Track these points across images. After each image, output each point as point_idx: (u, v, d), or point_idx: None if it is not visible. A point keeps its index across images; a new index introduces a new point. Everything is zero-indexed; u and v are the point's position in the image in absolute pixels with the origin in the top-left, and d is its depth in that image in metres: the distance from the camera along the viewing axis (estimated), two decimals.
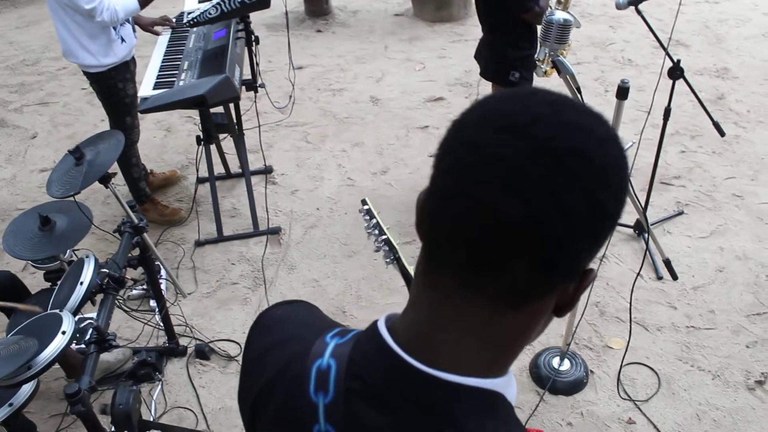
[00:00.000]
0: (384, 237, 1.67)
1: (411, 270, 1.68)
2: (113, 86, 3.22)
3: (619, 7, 2.73)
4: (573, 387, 2.73)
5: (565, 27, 1.77)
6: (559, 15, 1.76)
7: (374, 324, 0.70)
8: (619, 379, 2.74)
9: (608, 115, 2.13)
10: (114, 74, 3.19)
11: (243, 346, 0.88)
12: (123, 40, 3.18)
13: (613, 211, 0.61)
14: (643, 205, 3.30)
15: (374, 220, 1.69)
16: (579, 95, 1.93)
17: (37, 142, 4.70)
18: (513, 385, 0.70)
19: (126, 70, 3.25)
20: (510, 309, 0.63)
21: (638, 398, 2.69)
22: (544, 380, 2.74)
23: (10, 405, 2.02)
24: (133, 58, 3.35)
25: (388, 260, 1.68)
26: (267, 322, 0.86)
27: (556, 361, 2.78)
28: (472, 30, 5.87)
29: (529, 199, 0.56)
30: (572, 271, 0.63)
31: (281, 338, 0.81)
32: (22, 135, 4.83)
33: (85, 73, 3.24)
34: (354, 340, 0.71)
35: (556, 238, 0.57)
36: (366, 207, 1.72)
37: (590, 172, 0.58)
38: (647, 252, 3.18)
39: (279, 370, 0.77)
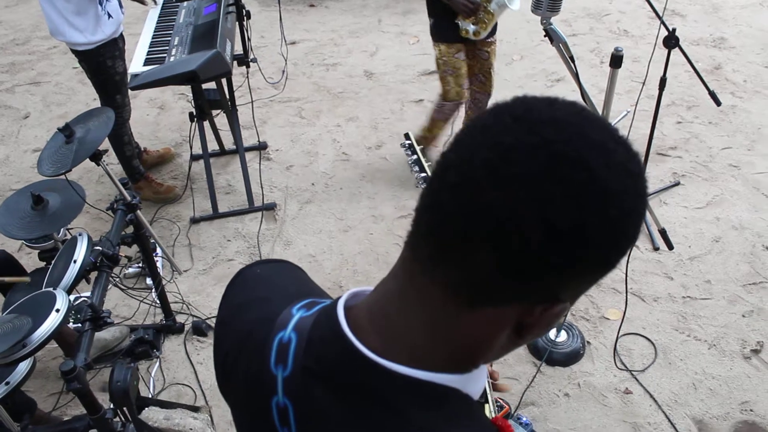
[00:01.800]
0: (423, 175, 1.64)
1: None
2: (102, 64, 3.18)
3: None
4: (570, 358, 2.74)
5: None
6: None
7: (334, 303, 0.69)
8: (615, 349, 2.75)
9: (602, 84, 2.10)
10: (103, 51, 3.15)
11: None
12: (110, 15, 3.13)
13: (600, 243, 0.55)
14: None
15: (415, 156, 1.66)
16: (572, 64, 1.90)
17: (30, 122, 4.66)
18: (477, 380, 0.67)
19: (115, 47, 3.20)
20: (466, 306, 0.60)
21: (635, 368, 2.70)
22: (541, 351, 2.74)
23: (7, 383, 2.02)
24: (121, 35, 3.30)
25: None
26: (242, 280, 0.86)
27: (552, 333, 2.78)
28: None
29: (507, 187, 0.53)
30: (537, 287, 0.57)
31: (252, 299, 0.81)
32: (14, 115, 4.78)
33: (74, 51, 3.19)
34: (315, 317, 0.70)
35: (524, 240, 0.54)
36: (408, 142, 1.70)
37: (586, 188, 0.53)
38: (644, 223, 3.17)
39: (244, 335, 0.77)
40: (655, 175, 3.64)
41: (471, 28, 3.18)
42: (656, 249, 3.20)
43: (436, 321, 0.62)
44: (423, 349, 0.63)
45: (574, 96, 2.05)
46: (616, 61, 1.94)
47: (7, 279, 2.47)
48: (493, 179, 0.54)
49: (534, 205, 0.53)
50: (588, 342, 2.81)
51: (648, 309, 2.93)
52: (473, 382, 0.66)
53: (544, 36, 1.88)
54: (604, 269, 0.59)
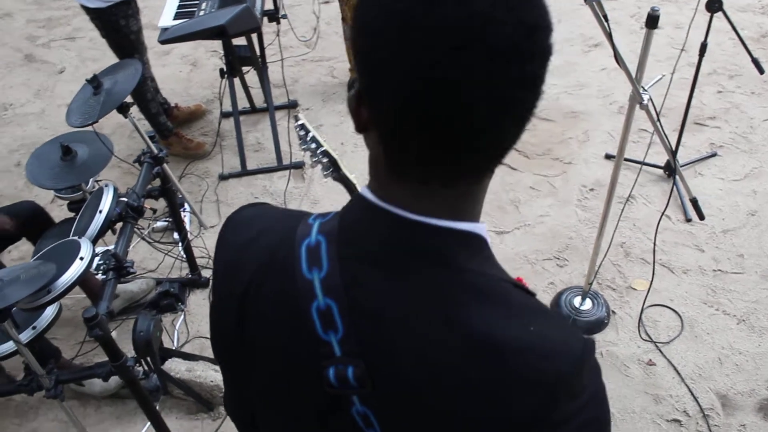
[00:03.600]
0: (322, 149, 1.64)
1: (353, 178, 1.68)
2: (115, 23, 3.15)
3: None
4: (594, 327, 2.70)
5: None
6: None
7: (359, 193, 0.70)
8: (640, 319, 2.71)
9: (638, 47, 2.00)
10: (115, 11, 3.11)
11: (214, 253, 0.85)
12: None
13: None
14: (673, 145, 3.20)
15: (311, 134, 1.68)
16: (606, 23, 1.83)
17: (65, 76, 4.71)
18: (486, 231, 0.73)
19: (127, 6, 3.16)
20: (476, 183, 0.68)
21: (659, 340, 2.65)
22: (564, 319, 2.71)
23: (34, 328, 2.07)
24: None
25: (326, 172, 1.66)
26: (234, 224, 0.83)
27: (577, 301, 2.75)
28: None
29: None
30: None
31: (255, 234, 0.79)
32: (50, 70, 4.84)
33: (85, 9, 3.14)
34: (339, 214, 0.71)
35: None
36: (300, 122, 1.70)
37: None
38: (673, 192, 3.10)
39: (265, 259, 0.75)
40: (691, 145, 3.54)
41: None
42: (688, 220, 3.12)
43: (456, 199, 0.67)
44: (453, 206, 0.67)
45: (611, 61, 1.99)
46: (652, 21, 1.87)
47: None
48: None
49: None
50: (613, 312, 2.77)
51: (677, 281, 2.87)
52: (486, 234, 0.72)
53: None
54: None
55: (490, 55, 0.56)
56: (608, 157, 3.50)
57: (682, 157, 3.40)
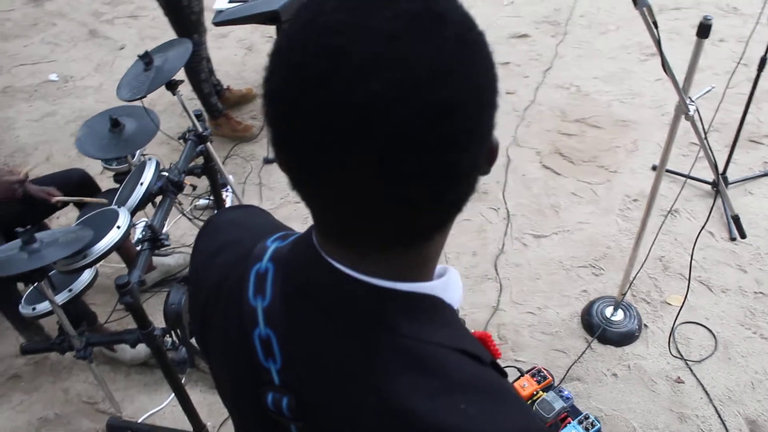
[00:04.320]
0: None
1: None
2: (178, 3, 3.23)
3: None
4: (624, 338, 2.66)
5: None
6: None
7: (309, 231, 0.68)
8: (672, 335, 2.65)
9: (699, 63, 1.92)
10: None
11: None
12: None
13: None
14: (720, 160, 3.13)
15: None
16: (656, 30, 1.79)
17: (125, 53, 4.84)
18: (454, 288, 0.67)
19: None
20: (422, 241, 0.63)
21: (691, 358, 2.59)
22: (595, 328, 2.67)
23: (70, 290, 2.14)
24: None
25: None
26: (212, 227, 0.85)
27: (609, 311, 2.70)
28: None
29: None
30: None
31: (225, 242, 0.79)
32: (111, 46, 4.98)
33: None
34: (291, 245, 0.69)
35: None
36: None
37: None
38: (717, 208, 3.01)
39: (222, 275, 0.75)
40: (744, 163, 3.43)
41: None
42: (732, 239, 3.03)
43: (393, 262, 0.63)
44: (392, 268, 0.63)
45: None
46: (704, 30, 1.82)
47: (85, 199, 2.60)
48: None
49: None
50: (645, 325, 2.71)
51: (714, 299, 2.80)
52: (451, 291, 0.66)
53: None
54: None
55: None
56: (655, 168, 3.42)
57: (733, 173, 3.30)
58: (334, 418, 0.63)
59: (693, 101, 2.01)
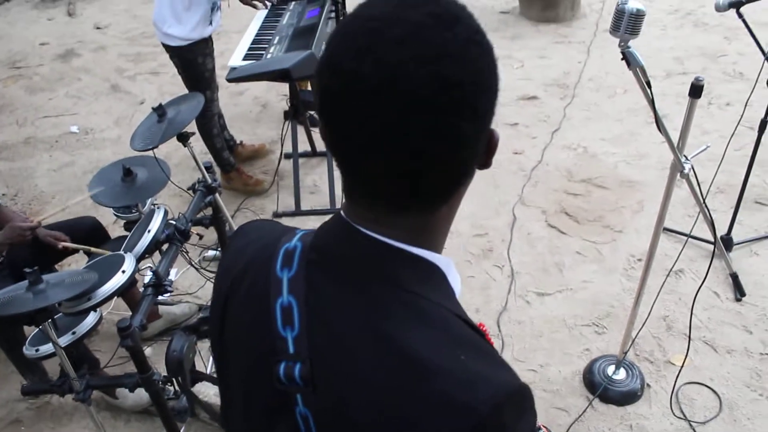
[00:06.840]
0: None
1: None
2: (193, 60, 3.35)
3: (718, 9, 2.61)
4: (626, 398, 2.63)
5: (638, 17, 1.71)
6: (632, 4, 1.70)
7: (338, 210, 0.77)
8: (676, 395, 2.62)
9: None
10: (194, 49, 3.32)
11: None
12: (211, 23, 3.32)
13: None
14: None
15: None
16: (649, 89, 1.85)
17: (144, 107, 5.00)
18: (455, 275, 0.76)
19: (205, 45, 3.37)
20: (430, 210, 0.73)
21: (695, 419, 2.55)
22: (596, 387, 2.65)
23: (73, 333, 2.17)
24: (210, 36, 3.47)
25: None
26: (242, 232, 0.91)
27: (611, 369, 2.68)
28: (578, 32, 5.73)
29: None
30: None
31: (254, 238, 0.86)
32: (131, 100, 5.15)
33: (166, 47, 3.36)
34: (320, 226, 0.78)
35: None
36: None
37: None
38: (718, 268, 3.01)
39: (249, 259, 0.82)
40: (749, 224, 3.44)
41: None
42: (738, 300, 3.02)
43: (410, 226, 0.72)
44: (409, 232, 0.72)
45: (674, 134, 2.02)
46: (696, 90, 1.88)
47: (92, 249, 2.65)
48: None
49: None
50: (648, 384, 2.68)
51: (719, 360, 2.77)
52: (452, 275, 0.76)
53: (621, 59, 1.85)
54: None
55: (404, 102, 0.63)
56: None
57: (738, 235, 3.31)
58: (342, 384, 0.68)
59: (688, 159, 2.05)
